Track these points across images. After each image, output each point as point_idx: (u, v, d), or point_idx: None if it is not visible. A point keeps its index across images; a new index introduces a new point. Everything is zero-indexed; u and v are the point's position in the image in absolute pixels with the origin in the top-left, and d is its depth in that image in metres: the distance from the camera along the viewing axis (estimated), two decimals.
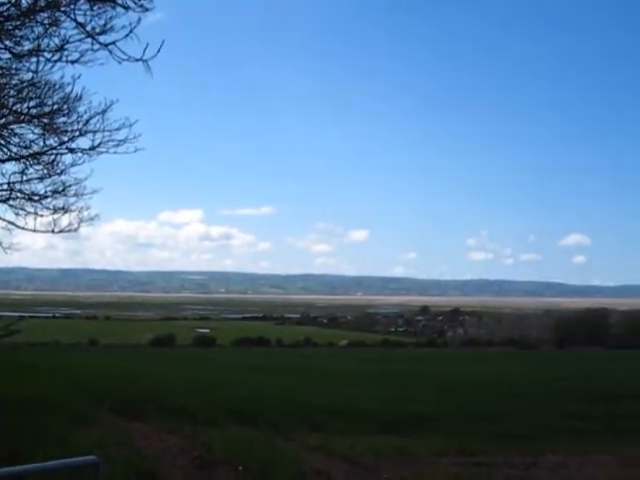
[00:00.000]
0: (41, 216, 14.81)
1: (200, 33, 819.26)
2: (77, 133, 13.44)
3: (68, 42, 9.84)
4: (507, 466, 10.11)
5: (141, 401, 16.49)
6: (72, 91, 12.73)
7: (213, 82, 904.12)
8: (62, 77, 12.11)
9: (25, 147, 14.04)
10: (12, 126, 13.46)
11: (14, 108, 12.79)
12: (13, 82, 12.25)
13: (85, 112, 13.17)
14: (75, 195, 15.19)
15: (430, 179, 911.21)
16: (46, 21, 9.71)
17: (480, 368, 48.07)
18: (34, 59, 10.49)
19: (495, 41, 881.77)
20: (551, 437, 13.23)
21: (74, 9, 9.19)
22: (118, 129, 13.18)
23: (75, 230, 15.32)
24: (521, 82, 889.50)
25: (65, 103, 13.06)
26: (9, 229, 14.92)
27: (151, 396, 17.73)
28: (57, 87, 12.80)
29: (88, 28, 9.24)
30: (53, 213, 14.93)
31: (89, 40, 9.37)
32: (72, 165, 14.38)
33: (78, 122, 13.25)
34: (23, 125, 13.55)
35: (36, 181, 14.93)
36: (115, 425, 13.12)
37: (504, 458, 10.74)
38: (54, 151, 14.05)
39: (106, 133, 13.27)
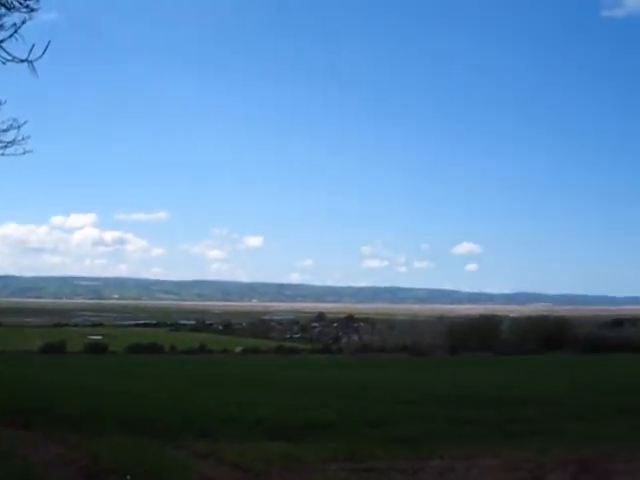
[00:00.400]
0: None
1: (94, 35, 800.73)
2: None
3: None
4: (396, 471, 10.25)
5: (28, 409, 16.11)
6: None
7: (107, 85, 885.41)
8: None
9: None
10: None
11: None
12: None
13: None
14: None
15: (325, 187, 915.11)
16: None
17: (374, 374, 48.55)
18: None
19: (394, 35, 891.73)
20: (440, 442, 13.44)
21: None
22: (6, 130, 12.85)
23: None
24: (422, 80, 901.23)
25: None
26: None
27: (39, 404, 17.34)
28: None
29: None
30: None
31: None
32: None
33: None
34: None
35: None
36: None
37: (393, 463, 10.88)
38: None
39: None
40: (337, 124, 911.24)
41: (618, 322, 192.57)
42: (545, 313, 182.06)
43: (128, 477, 9.28)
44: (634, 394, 26.37)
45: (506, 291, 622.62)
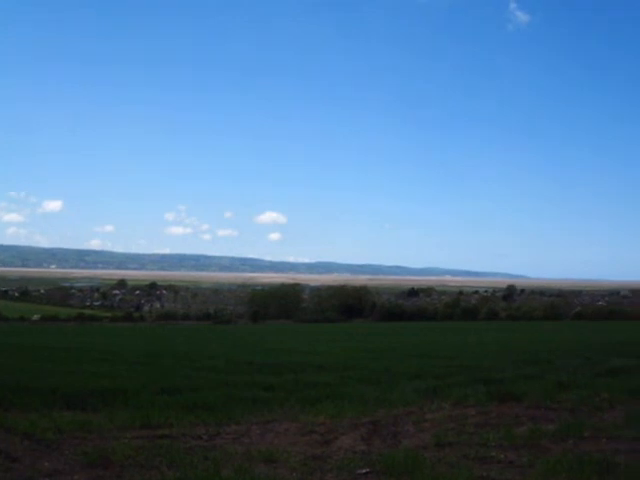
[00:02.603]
0: None
1: None
2: None
3: None
4: (191, 437, 10.26)
5: None
6: None
7: None
8: None
9: None
10: None
11: None
12: None
13: None
14: None
15: (128, 150, 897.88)
16: None
17: (174, 341, 48.31)
18: None
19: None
20: (239, 408, 13.52)
21: None
22: None
23: None
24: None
25: None
26: None
27: None
28: None
29: None
30: None
31: None
32: None
33: None
34: None
35: None
36: None
37: (189, 429, 10.89)
38: None
39: None
40: (140, 90, 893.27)
41: (414, 292, 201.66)
42: (345, 282, 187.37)
43: None
44: (427, 359, 27.60)
45: (308, 260, 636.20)
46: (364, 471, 7.97)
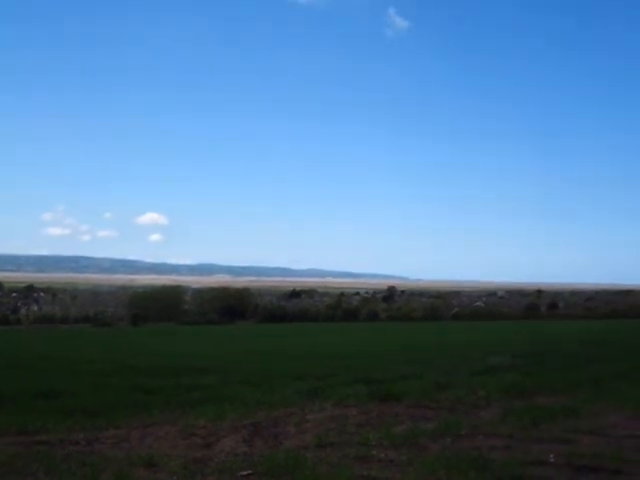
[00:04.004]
0: None
1: None
2: None
3: None
4: (69, 442, 10.04)
5: None
6: None
7: None
8: None
9: None
10: None
11: None
12: None
13: None
14: None
15: (1, 149, 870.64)
16: None
17: (53, 345, 47.25)
18: None
19: None
20: (119, 412, 13.31)
21: None
22: None
23: None
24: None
25: None
26: None
27: None
28: None
29: None
30: None
31: None
32: None
33: None
34: None
35: None
36: None
37: (67, 435, 10.64)
38: None
39: None
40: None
41: (296, 293, 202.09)
42: (227, 284, 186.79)
43: None
44: (309, 360, 27.78)
45: (190, 262, 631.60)
46: (245, 473, 7.96)
